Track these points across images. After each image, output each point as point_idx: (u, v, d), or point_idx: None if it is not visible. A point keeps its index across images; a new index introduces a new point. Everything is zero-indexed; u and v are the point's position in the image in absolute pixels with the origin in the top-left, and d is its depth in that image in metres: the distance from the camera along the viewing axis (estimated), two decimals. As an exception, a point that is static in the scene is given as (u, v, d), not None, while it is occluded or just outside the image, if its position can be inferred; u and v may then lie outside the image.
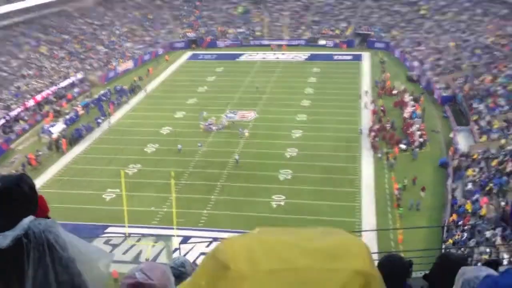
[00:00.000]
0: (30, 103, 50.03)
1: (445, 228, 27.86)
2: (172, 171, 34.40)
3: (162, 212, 32.96)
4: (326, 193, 33.98)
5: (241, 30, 77.79)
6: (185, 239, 29.92)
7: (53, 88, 54.09)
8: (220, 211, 32.93)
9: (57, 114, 49.17)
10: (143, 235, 30.90)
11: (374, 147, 39.90)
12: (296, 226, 2.17)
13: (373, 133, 41.76)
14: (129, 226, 30.60)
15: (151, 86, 58.20)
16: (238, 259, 1.76)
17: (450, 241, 26.53)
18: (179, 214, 30.85)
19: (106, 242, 29.90)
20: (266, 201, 33.72)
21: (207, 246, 29.49)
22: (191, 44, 75.21)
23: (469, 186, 31.01)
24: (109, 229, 31.31)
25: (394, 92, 51.99)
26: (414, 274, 4.52)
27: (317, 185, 35.21)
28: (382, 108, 47.30)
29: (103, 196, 34.77)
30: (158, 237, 30.69)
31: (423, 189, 32.66)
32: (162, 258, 28.59)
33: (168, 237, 30.13)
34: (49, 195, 34.74)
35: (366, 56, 67.03)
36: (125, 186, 31.76)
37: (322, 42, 73.10)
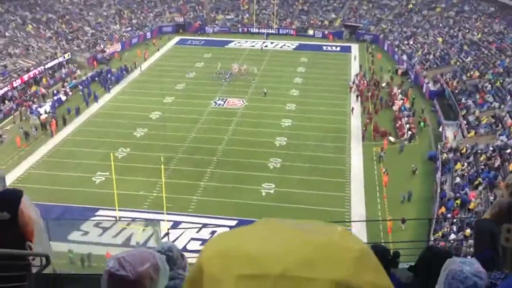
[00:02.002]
0: (17, 82, 49.17)
1: (434, 220, 28.32)
2: (162, 156, 34.28)
3: (151, 197, 32.84)
4: (315, 183, 34.20)
5: (229, 16, 77.42)
6: (175, 224, 29.96)
7: (40, 68, 53.20)
8: (210, 197, 32.93)
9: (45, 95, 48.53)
10: (133, 219, 30.79)
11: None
12: (285, 216, 2.16)
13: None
14: (119, 210, 30.46)
15: (138, 71, 57.66)
16: (213, 261, 1.66)
17: (439, 233, 27.01)
18: (168, 199, 30.80)
19: (97, 225, 29.78)
20: (256, 188, 33.82)
21: (197, 231, 29.65)
22: (179, 28, 74.63)
23: (458, 179, 31.53)
24: (100, 212, 31.11)
25: (383, 84, 52.40)
26: (401, 265, 4.65)
27: (306, 174, 35.43)
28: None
29: (93, 178, 34.48)
30: (148, 222, 30.64)
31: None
32: (151, 243, 28.59)
33: (157, 222, 30.10)
34: (39, 176, 34.55)
35: (355, 47, 67.35)
36: (115, 170, 31.56)
37: (310, 32, 73.21)
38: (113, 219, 30.11)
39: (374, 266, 1.73)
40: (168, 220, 29.76)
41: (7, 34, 58.38)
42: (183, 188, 33.53)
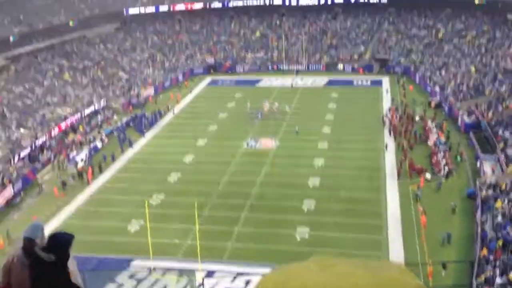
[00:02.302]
0: (55, 131, 50.60)
1: (476, 263, 27.31)
2: (195, 201, 34.35)
3: (186, 245, 32.83)
4: (351, 225, 33.59)
5: (259, 55, 78.33)
6: (209, 274, 29.77)
7: (77, 115, 54.69)
8: (244, 243, 32.71)
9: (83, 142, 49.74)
10: (168, 269, 30.76)
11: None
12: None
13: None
14: (153, 259, 30.51)
15: (171, 114, 58.55)
16: None
17: (482, 277, 26.01)
18: (203, 246, 30.70)
19: (131, 277, 29.85)
20: (290, 233, 33.42)
21: (232, 280, 29.39)
22: (210, 69, 75.86)
23: (499, 218, 30.48)
24: (135, 262, 31.23)
25: (416, 118, 51.66)
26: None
27: (341, 216, 34.88)
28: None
29: (128, 227, 34.78)
30: (182, 272, 30.55)
31: (443, 265, 27.46)
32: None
33: (192, 272, 29.97)
34: (76, 226, 35.01)
35: (385, 80, 66.95)
36: (149, 217, 31.74)
37: (340, 67, 73.27)
38: (147, 270, 30.14)
39: None
40: (202, 269, 29.60)
41: (45, 83, 60.45)
42: (217, 235, 33.41)
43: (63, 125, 52.14)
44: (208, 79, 72.73)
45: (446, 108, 53.60)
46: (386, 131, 49.22)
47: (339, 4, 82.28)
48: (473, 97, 52.72)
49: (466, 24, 73.51)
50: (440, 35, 73.49)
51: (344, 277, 1.68)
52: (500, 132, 42.26)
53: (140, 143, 50.45)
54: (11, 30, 64.05)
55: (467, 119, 48.80)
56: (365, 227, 33.41)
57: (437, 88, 58.72)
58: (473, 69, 59.50)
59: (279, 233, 33.33)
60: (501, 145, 40.10)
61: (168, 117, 57.74)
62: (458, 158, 42.04)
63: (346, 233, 32.71)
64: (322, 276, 1.69)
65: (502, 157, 38.26)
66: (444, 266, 27.05)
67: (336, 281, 1.66)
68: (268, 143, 48.70)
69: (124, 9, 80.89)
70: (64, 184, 41.04)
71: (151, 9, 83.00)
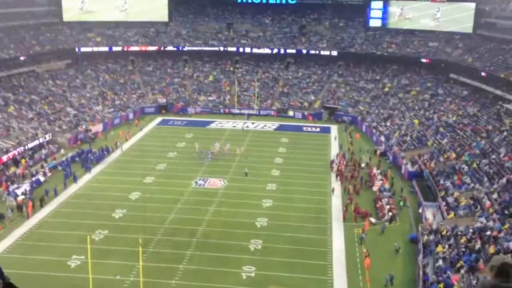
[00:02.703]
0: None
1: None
2: (140, 237, 33.57)
3: (128, 282, 31.78)
4: (297, 265, 33.61)
5: (211, 98, 79.04)
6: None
7: (20, 148, 52.97)
8: (189, 281, 31.97)
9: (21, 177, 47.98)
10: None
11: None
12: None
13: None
14: (94, 296, 29.32)
15: (119, 151, 57.69)
16: None
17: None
18: (146, 283, 29.86)
19: (69, 313, 28.48)
20: (236, 272, 33.03)
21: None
22: (161, 109, 75.74)
23: (440, 262, 31.26)
24: (73, 299, 29.87)
25: (362, 165, 53.06)
26: None
27: (287, 256, 34.87)
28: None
29: (68, 263, 33.39)
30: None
31: None
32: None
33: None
34: (12, 260, 33.35)
35: (334, 128, 68.78)
36: (91, 253, 30.67)
37: (291, 113, 74.84)
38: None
39: None
40: (145, 307, 28.64)
41: (-12, 114, 58.50)
42: (162, 272, 32.60)
43: (4, 158, 50.27)
44: (159, 119, 72.49)
45: (391, 157, 55.41)
46: (333, 176, 50.19)
47: (291, 55, 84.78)
48: (416, 148, 54.83)
49: (411, 80, 77.14)
50: (386, 89, 76.68)
51: None
52: (442, 181, 43.90)
53: (85, 179, 49.20)
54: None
55: (410, 168, 50.54)
56: (311, 267, 33.48)
57: (382, 138, 60.77)
58: (416, 122, 62.13)
59: (225, 272, 32.86)
60: (442, 193, 41.61)
61: (115, 154, 56.81)
62: (402, 203, 43.26)
63: (292, 273, 32.63)
64: None
65: (443, 204, 39.62)
66: None
67: None
68: (217, 183, 48.58)
69: (77, 47, 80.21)
70: (2, 217, 39.26)
71: (104, 49, 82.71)
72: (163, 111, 75.38)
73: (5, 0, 74.18)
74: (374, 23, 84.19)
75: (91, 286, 29.17)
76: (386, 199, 43.14)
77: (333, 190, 46.33)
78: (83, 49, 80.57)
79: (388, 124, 65.08)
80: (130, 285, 31.23)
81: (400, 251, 35.25)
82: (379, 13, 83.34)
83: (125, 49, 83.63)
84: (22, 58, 70.85)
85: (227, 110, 75.84)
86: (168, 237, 37.57)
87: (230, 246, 36.10)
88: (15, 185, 45.28)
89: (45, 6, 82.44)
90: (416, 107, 67.58)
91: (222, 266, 33.55)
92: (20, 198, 42.32)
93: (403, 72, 79.67)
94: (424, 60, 76.52)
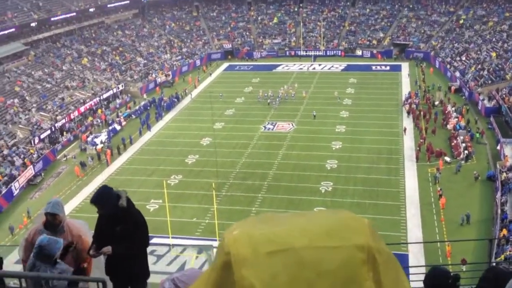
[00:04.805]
0: (74, 114, 51.17)
1: (495, 242, 27.06)
2: (213, 182, 34.56)
3: (204, 223, 33.05)
4: (369, 206, 33.55)
5: (276, 41, 78.04)
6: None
7: (96, 99, 55.17)
8: (262, 223, 32.77)
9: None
10: (187, 246, 30.98)
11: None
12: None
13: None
14: (172, 237, 30.76)
15: (188, 98, 58.73)
16: (238, 244, 1.79)
17: (502, 257, 25.78)
18: (220, 225, 30.89)
19: (151, 253, 30.04)
20: (308, 213, 33.39)
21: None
22: (227, 55, 75.81)
23: (519, 200, 30.16)
24: (154, 240, 31.44)
25: (436, 103, 51.16)
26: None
27: (359, 197, 34.83)
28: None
29: (147, 207, 35.07)
30: (201, 248, 30.74)
31: (463, 262, 24.72)
32: (205, 269, 28.59)
33: (211, 248, 30.14)
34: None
35: (405, 66, 66.31)
36: (168, 197, 31.99)
37: (358, 52, 72.71)
38: (167, 246, 30.38)
39: (377, 233, 2.06)
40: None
41: (64, 67, 60.97)
42: (235, 214, 33.53)
43: (82, 108, 52.61)
44: (225, 65, 72.72)
45: (467, 93, 52.96)
46: (405, 115, 48.81)
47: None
48: (493, 82, 52.02)
49: (488, 10, 72.37)
50: (461, 21, 72.46)
51: (305, 223, 1.91)
52: (521, 116, 41.68)
53: (158, 126, 50.71)
54: (30, 16, 64.59)
55: (487, 104, 48.21)
56: (383, 207, 33.29)
57: (457, 74, 58.02)
58: (494, 54, 58.65)
59: (296, 213, 33.34)
60: (522, 128, 39.59)
61: (185, 101, 57.90)
62: (478, 135, 41.74)
63: (364, 213, 32.53)
64: (285, 225, 1.87)
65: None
66: (464, 263, 26.54)
67: (300, 226, 1.86)
68: (285, 126, 48.63)
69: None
70: (83, 165, 41.48)
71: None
72: (229, 57, 75.40)
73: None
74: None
75: (170, 228, 30.53)
76: (461, 137, 41.59)
77: (405, 130, 45.18)
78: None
79: (463, 58, 61.83)
80: (205, 227, 32.47)
81: (479, 178, 34.75)
82: None
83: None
84: (91, 9, 72.52)
85: (292, 53, 74.74)
86: (240, 181, 38.39)
87: (300, 189, 36.45)
88: (94, 135, 47.43)
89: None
90: (494, 39, 63.56)
91: (293, 208, 33.98)
92: (99, 146, 44.41)
93: (479, 2, 74.72)
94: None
